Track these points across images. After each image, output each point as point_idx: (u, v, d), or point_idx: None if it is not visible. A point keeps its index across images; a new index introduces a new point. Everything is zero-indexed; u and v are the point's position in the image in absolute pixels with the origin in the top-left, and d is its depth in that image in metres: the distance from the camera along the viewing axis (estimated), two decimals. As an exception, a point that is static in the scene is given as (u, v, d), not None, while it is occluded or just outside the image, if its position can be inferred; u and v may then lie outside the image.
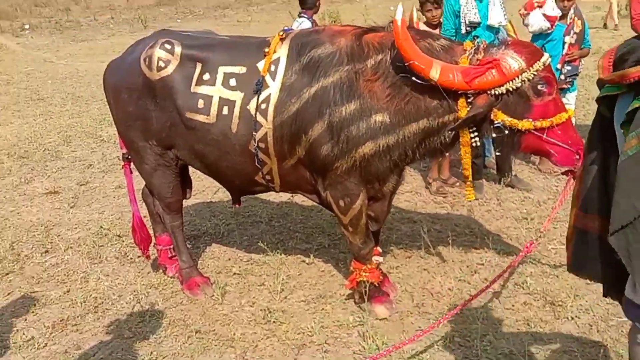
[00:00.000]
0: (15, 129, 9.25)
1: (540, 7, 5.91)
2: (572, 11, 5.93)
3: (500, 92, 3.23)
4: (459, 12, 5.45)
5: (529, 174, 6.17)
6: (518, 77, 3.21)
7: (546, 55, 3.37)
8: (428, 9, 5.56)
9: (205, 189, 6.10)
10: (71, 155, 7.69)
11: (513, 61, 3.21)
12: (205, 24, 25.02)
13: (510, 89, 3.23)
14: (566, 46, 5.94)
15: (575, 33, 5.96)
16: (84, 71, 14.01)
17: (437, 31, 5.36)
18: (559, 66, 5.94)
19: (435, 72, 3.18)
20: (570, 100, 6.20)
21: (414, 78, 3.27)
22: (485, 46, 3.37)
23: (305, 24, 6.34)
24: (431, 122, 3.40)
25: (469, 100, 3.28)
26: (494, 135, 3.41)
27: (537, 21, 5.88)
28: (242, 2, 32.31)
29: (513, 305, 3.91)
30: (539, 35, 6.05)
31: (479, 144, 3.45)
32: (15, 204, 6.16)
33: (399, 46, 3.22)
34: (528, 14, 5.92)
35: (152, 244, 4.52)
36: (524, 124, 3.30)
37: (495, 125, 3.34)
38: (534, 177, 6.11)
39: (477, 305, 3.88)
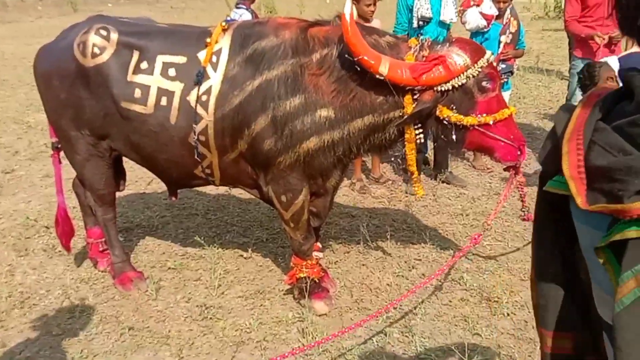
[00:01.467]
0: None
1: (477, 5, 5.99)
2: (508, 11, 6.04)
3: (446, 88, 3.25)
4: (412, 6, 5.48)
5: (463, 171, 6.26)
6: (463, 73, 3.24)
7: (489, 52, 3.42)
8: (368, 3, 5.53)
9: (139, 179, 5.92)
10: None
11: (458, 58, 3.24)
12: (138, 10, 24.39)
13: (456, 85, 3.25)
14: (502, 45, 6.04)
15: (510, 33, 6.06)
16: (9, 54, 13.44)
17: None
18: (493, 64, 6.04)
19: (384, 67, 3.16)
20: (505, 97, 6.31)
21: (360, 73, 3.25)
22: (429, 43, 3.37)
23: (245, 15, 6.24)
24: (377, 118, 3.38)
25: (415, 96, 3.27)
26: (440, 132, 3.43)
27: (474, 19, 5.96)
28: (176, -12, 31.67)
29: (450, 301, 3.94)
30: (475, 34, 6.13)
31: (422, 140, 3.46)
32: (-64, 192, 5.83)
33: (347, 41, 3.18)
34: (465, 11, 5.99)
35: (74, 237, 4.37)
36: (469, 120, 3.33)
37: (441, 121, 3.35)
38: (468, 174, 6.20)
39: (415, 300, 3.90)
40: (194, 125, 3.46)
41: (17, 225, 5.08)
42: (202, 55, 3.48)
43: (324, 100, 3.34)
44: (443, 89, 3.25)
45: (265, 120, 3.38)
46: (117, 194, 4.26)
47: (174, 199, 4.22)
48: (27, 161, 6.66)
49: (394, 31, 5.58)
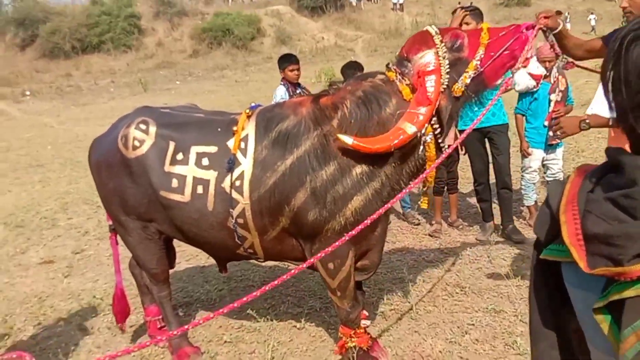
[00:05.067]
0: (13, 197, 9.36)
1: (524, 66, 6.04)
2: (555, 70, 6.06)
3: (446, 82, 3.44)
4: None
5: (520, 228, 6.20)
6: (441, 59, 3.42)
7: (428, 27, 3.63)
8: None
9: (199, 253, 6.12)
10: (67, 222, 7.77)
11: (427, 57, 3.44)
12: (205, 85, 25.49)
13: (447, 72, 3.43)
14: (552, 104, 6.05)
15: (560, 91, 6.07)
16: (83, 135, 14.20)
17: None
18: (545, 123, 6.05)
19: (411, 129, 3.35)
20: (558, 155, 6.30)
21: (375, 119, 3.47)
22: (398, 68, 3.55)
23: (280, 90, 6.49)
24: (405, 151, 3.50)
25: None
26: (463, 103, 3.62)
27: (523, 80, 6.00)
28: (239, 62, 32.99)
29: (503, 367, 3.89)
30: (525, 94, 6.17)
31: (447, 148, 3.58)
32: (10, 274, 6.20)
33: (374, 151, 3.42)
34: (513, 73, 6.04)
35: (130, 315, 4.56)
36: (471, 69, 3.46)
37: (459, 98, 3.53)
38: (524, 232, 6.13)
39: (466, 368, 3.87)
40: (231, 210, 3.62)
41: (83, 304, 5.33)
42: (230, 143, 3.66)
43: (355, 157, 3.46)
44: (445, 85, 3.44)
45: (304, 194, 3.50)
46: (179, 268, 4.44)
47: (224, 272, 4.38)
48: (96, 241, 7.01)
49: None
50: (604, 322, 1.12)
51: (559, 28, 3.59)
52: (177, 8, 38.97)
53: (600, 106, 3.91)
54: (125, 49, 35.42)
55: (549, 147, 6.21)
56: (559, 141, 6.15)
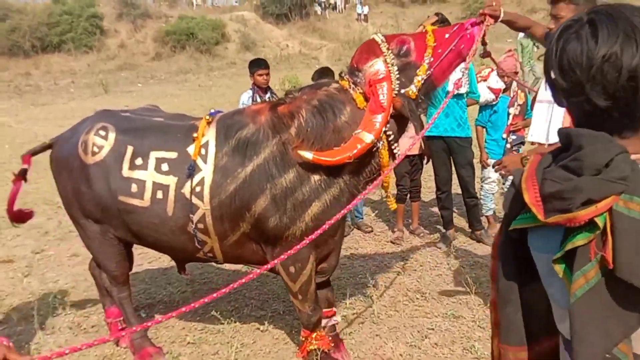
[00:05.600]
0: (-30, 196, 9.15)
1: (484, 80, 6.24)
2: (514, 84, 6.25)
3: (397, 87, 3.53)
4: None
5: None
6: (390, 67, 3.52)
7: (374, 35, 3.70)
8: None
9: (161, 256, 6.09)
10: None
11: (376, 65, 3.54)
12: (167, 88, 25.29)
13: (396, 77, 3.53)
14: (510, 117, 6.24)
15: (519, 105, 6.27)
16: (42, 135, 13.93)
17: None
18: (504, 135, 6.25)
19: (368, 138, 3.47)
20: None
21: (330, 127, 3.56)
22: (349, 77, 3.67)
23: (245, 95, 6.58)
24: (362, 158, 3.58)
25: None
26: (419, 106, 3.66)
27: (482, 93, 6.20)
28: (203, 67, 32.83)
29: (461, 370, 4.01)
30: (484, 107, 6.37)
31: (399, 151, 3.70)
32: (-32, 273, 6.09)
33: (333, 164, 3.53)
34: (473, 85, 6.23)
35: (92, 315, 4.55)
36: (422, 73, 3.54)
37: (414, 99, 3.58)
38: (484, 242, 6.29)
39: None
40: (191, 215, 3.66)
41: (44, 304, 5.28)
42: (191, 149, 3.71)
43: (313, 165, 3.54)
44: (397, 90, 3.53)
45: (265, 200, 3.58)
46: (141, 269, 4.44)
47: (184, 273, 4.44)
48: (56, 241, 6.94)
49: None
50: (560, 270, 1.34)
51: (501, 17, 3.66)
52: (140, 10, 38.49)
53: (539, 131, 4.04)
54: (86, 49, 34.82)
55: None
56: (516, 152, 6.33)
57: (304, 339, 4.02)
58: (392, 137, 3.62)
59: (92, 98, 23.17)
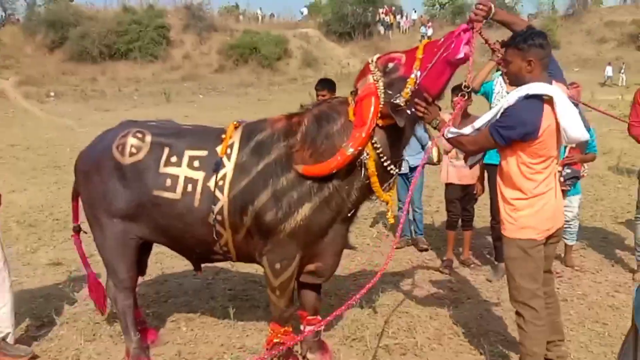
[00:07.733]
0: (28, 196, 9.43)
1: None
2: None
3: (384, 99, 3.70)
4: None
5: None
6: (377, 83, 3.73)
7: (369, 59, 3.91)
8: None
9: (206, 269, 6.10)
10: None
11: (365, 84, 3.78)
12: (228, 100, 25.72)
13: (383, 94, 3.71)
14: (567, 149, 5.99)
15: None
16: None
17: None
18: (559, 168, 5.99)
19: (349, 150, 3.72)
20: (573, 202, 6.25)
21: (325, 139, 3.87)
22: (353, 97, 3.90)
23: None
24: (348, 167, 3.82)
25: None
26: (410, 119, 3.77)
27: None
28: (264, 81, 33.26)
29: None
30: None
31: (394, 169, 3.92)
32: (18, 273, 6.21)
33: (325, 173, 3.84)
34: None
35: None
36: (412, 81, 3.66)
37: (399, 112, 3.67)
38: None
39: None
40: (213, 206, 3.99)
41: (88, 310, 5.32)
42: (219, 148, 4.06)
43: None
44: (384, 97, 3.71)
45: (266, 195, 3.90)
46: (186, 283, 4.41)
47: (199, 273, 4.74)
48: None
49: None
50: None
51: (492, 14, 3.66)
52: (207, 22, 39.38)
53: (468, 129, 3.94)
54: (152, 58, 35.71)
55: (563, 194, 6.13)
56: (569, 188, 6.08)
57: (271, 331, 4.24)
58: (380, 149, 3.81)
59: (154, 106, 23.72)
